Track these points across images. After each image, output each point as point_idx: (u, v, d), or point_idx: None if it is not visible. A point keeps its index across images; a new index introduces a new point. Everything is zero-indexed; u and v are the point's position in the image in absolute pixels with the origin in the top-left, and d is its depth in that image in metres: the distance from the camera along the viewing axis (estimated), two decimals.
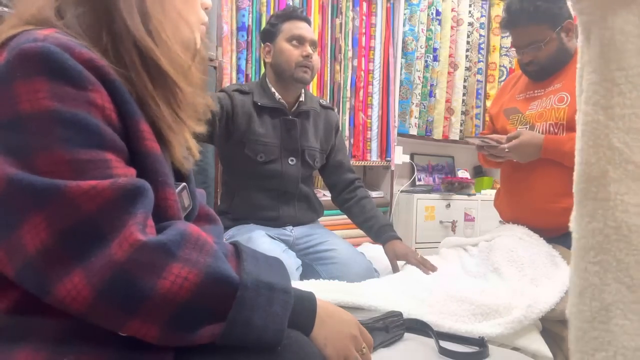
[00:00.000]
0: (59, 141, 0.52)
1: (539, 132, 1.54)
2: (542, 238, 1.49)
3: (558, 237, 1.49)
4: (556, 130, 1.51)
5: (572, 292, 0.55)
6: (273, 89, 1.63)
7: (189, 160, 0.74)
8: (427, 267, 1.45)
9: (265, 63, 1.69)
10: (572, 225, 0.55)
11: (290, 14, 1.64)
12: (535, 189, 1.53)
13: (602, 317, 0.52)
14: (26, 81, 0.53)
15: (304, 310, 0.66)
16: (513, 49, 1.62)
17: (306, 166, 1.68)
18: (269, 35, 1.64)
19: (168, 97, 0.66)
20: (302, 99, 1.68)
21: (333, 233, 1.75)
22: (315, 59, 1.63)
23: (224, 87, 1.66)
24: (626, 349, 0.51)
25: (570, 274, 0.56)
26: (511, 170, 1.64)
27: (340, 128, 1.88)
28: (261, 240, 1.49)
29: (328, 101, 2.39)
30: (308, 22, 1.66)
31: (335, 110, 1.90)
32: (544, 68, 1.57)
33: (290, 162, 1.63)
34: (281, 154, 1.62)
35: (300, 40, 1.59)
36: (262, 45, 1.69)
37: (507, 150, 1.49)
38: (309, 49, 1.59)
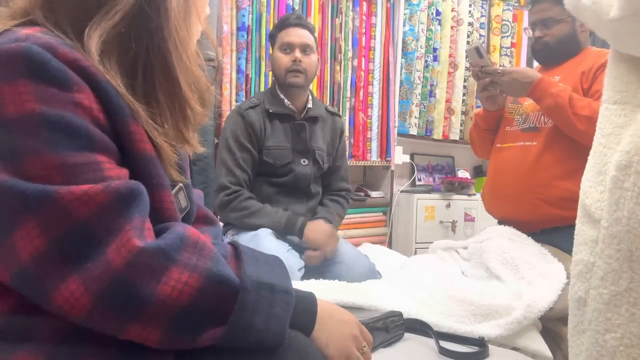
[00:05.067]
0: (47, 145, 0.51)
1: (532, 121, 1.59)
2: (529, 237, 1.50)
3: (539, 234, 1.52)
4: (547, 119, 1.55)
5: (595, 275, 0.59)
6: (282, 96, 1.71)
7: (182, 172, 0.72)
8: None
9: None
10: (603, 214, 0.60)
11: (283, 23, 1.71)
12: (512, 178, 1.58)
13: (616, 301, 0.56)
14: (9, 83, 0.51)
15: (304, 311, 0.66)
16: (528, 28, 1.68)
17: (317, 166, 1.75)
18: (271, 46, 1.75)
19: (177, 117, 0.65)
20: (310, 105, 1.75)
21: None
22: (308, 61, 1.69)
23: (238, 107, 1.71)
24: (633, 334, 0.55)
25: (593, 259, 0.60)
26: (495, 160, 1.71)
27: (345, 133, 1.95)
28: (266, 238, 1.51)
29: (329, 102, 2.40)
30: (302, 25, 1.70)
31: (340, 116, 1.95)
32: (552, 50, 1.61)
33: (302, 163, 1.71)
34: (293, 156, 1.70)
35: (290, 47, 1.67)
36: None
37: (499, 72, 1.53)
38: (297, 54, 1.66)
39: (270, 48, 1.79)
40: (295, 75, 1.66)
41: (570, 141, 1.46)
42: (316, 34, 1.77)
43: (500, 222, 1.67)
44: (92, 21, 0.59)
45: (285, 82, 1.67)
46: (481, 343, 1.02)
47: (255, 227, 1.57)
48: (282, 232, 1.57)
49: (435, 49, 2.77)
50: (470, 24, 2.90)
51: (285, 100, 1.70)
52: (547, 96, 1.45)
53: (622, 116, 0.62)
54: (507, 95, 1.66)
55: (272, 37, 1.74)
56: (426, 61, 2.75)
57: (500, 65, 2.98)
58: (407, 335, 1.04)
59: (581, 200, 0.66)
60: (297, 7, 2.33)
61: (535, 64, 3.01)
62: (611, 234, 0.57)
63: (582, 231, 0.65)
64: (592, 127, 0.69)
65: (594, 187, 0.64)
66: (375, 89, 2.62)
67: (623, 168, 0.57)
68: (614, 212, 0.57)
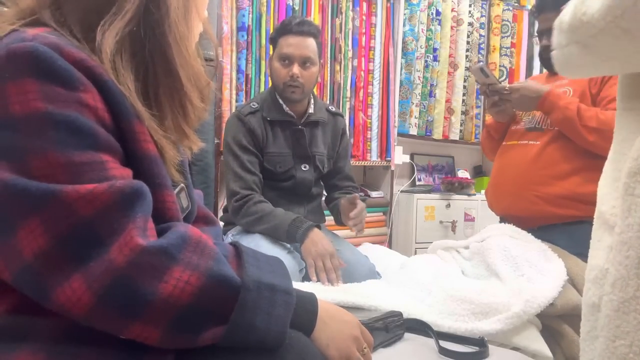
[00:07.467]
0: (52, 144, 0.51)
1: (537, 121, 1.62)
2: (530, 234, 1.50)
3: (536, 231, 1.53)
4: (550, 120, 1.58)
5: (606, 281, 0.60)
6: (281, 101, 1.67)
7: (183, 173, 0.72)
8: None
9: None
10: (617, 220, 0.60)
11: (284, 28, 1.63)
12: (512, 174, 1.60)
13: (625, 308, 0.56)
14: (15, 82, 0.52)
15: (305, 311, 0.66)
16: (536, 37, 1.70)
17: (318, 171, 1.75)
18: (272, 49, 1.70)
19: (176, 112, 0.65)
20: (311, 110, 1.72)
21: (338, 236, 1.77)
22: (307, 75, 1.62)
23: (238, 112, 1.67)
24: None
25: (607, 265, 0.60)
26: (499, 157, 1.73)
27: (347, 133, 1.91)
28: (266, 240, 1.50)
29: (328, 102, 2.39)
30: (303, 33, 1.62)
31: (342, 115, 1.90)
32: None
33: (303, 169, 1.70)
34: (294, 162, 1.69)
35: (289, 59, 1.61)
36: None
37: (507, 89, 1.55)
38: (295, 70, 1.59)
39: (271, 50, 1.75)
40: (292, 91, 1.62)
41: (571, 142, 1.47)
42: (319, 39, 1.69)
43: (501, 220, 1.70)
44: (104, 20, 0.59)
45: (283, 94, 1.65)
46: (481, 343, 1.02)
47: (263, 233, 1.55)
48: (285, 238, 1.53)
49: (435, 49, 2.78)
50: (470, 24, 2.90)
51: (284, 107, 1.67)
52: (555, 109, 1.49)
53: (636, 122, 0.61)
54: (517, 110, 1.68)
55: (272, 41, 1.70)
56: (426, 61, 2.75)
57: (500, 67, 2.99)
58: (407, 335, 1.04)
59: (598, 207, 0.66)
60: (297, 8, 2.33)
61: (536, 65, 3.03)
62: (622, 241, 0.57)
63: (598, 237, 0.65)
64: (601, 137, 0.70)
65: (609, 194, 0.64)
66: (375, 89, 2.62)
67: (633, 175, 0.56)
68: (625, 219, 0.57)
